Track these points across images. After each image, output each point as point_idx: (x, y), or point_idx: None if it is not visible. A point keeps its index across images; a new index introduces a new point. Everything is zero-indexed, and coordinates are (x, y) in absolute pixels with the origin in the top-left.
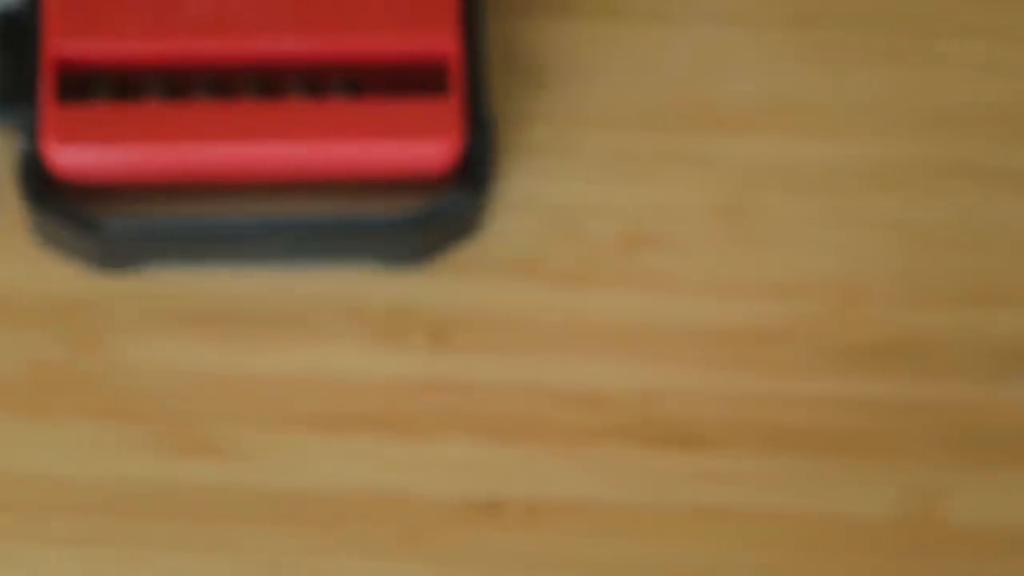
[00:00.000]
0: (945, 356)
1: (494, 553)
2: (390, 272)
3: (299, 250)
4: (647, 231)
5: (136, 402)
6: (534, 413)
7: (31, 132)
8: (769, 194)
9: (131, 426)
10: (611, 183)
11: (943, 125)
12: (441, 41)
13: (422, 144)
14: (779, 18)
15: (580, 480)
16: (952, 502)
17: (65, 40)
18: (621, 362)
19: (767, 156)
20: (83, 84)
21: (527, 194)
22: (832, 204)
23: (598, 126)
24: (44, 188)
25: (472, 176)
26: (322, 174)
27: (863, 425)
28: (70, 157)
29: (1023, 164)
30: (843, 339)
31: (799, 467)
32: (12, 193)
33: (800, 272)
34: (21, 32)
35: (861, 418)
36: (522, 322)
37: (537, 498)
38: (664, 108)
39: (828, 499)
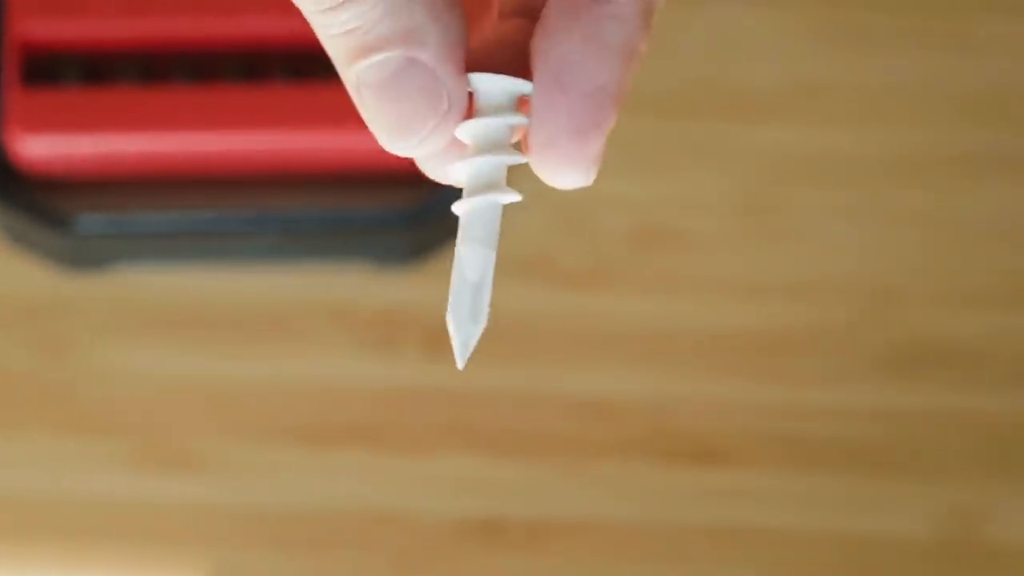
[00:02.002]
0: (984, 362)
1: None
2: (381, 273)
3: (284, 248)
4: (661, 228)
5: (108, 413)
6: (537, 426)
7: None
8: (792, 187)
9: (102, 439)
10: (622, 176)
11: (979, 112)
12: None
13: None
14: None
15: (587, 498)
16: (995, 521)
17: (31, 20)
18: (632, 370)
19: (790, 146)
20: (50, 68)
21: (531, 188)
22: (861, 198)
23: None
24: (9, 182)
25: None
26: (309, 166)
27: (896, 438)
28: (37, 148)
29: None
30: (873, 345)
31: (826, 484)
32: None
33: (826, 272)
34: None
35: (894, 431)
36: (525, 327)
37: (540, 518)
38: (679, 95)
39: (858, 519)
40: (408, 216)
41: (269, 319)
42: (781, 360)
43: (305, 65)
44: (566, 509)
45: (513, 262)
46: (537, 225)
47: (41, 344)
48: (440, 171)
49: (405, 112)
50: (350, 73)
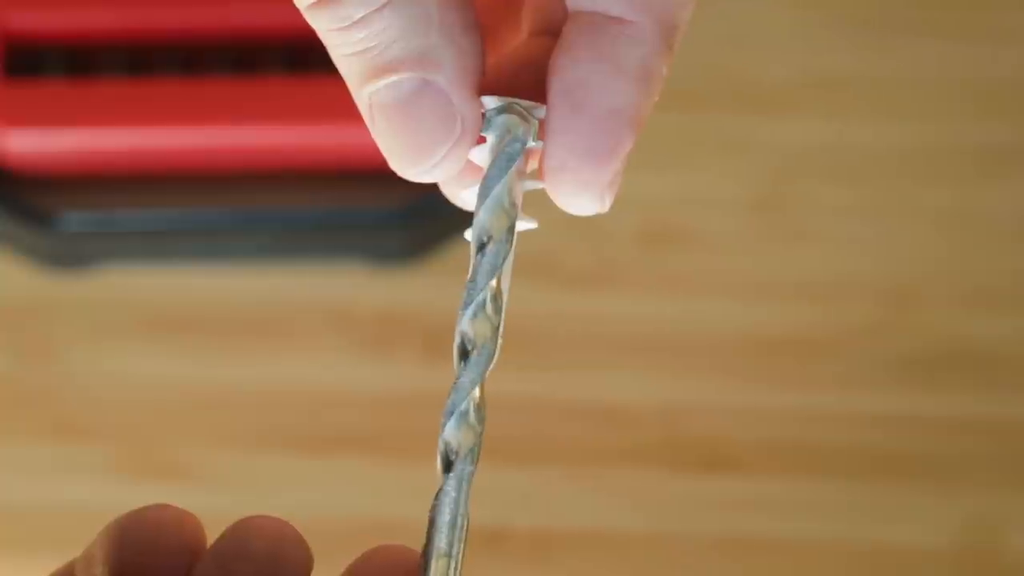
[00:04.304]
0: (1008, 366)
1: None
2: (378, 273)
3: (277, 248)
4: (671, 226)
5: (91, 418)
6: (542, 432)
7: None
8: (808, 183)
9: (86, 445)
10: (630, 172)
11: (1001, 105)
12: None
13: None
14: None
15: (594, 507)
16: (1017, 531)
17: (13, 11)
18: (642, 374)
19: (805, 140)
20: (34, 60)
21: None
22: (879, 194)
23: None
24: None
25: None
26: (303, 162)
27: (916, 446)
28: (19, 143)
29: None
30: (893, 348)
31: (843, 493)
32: None
33: (843, 272)
34: None
35: (914, 438)
36: (530, 329)
37: (545, 527)
38: (690, 87)
39: (875, 528)
40: (406, 213)
41: (261, 321)
42: (795, 364)
43: (300, 57)
44: (572, 518)
45: (517, 263)
46: (542, 224)
47: (22, 346)
48: (456, 195)
49: (418, 136)
50: (363, 94)
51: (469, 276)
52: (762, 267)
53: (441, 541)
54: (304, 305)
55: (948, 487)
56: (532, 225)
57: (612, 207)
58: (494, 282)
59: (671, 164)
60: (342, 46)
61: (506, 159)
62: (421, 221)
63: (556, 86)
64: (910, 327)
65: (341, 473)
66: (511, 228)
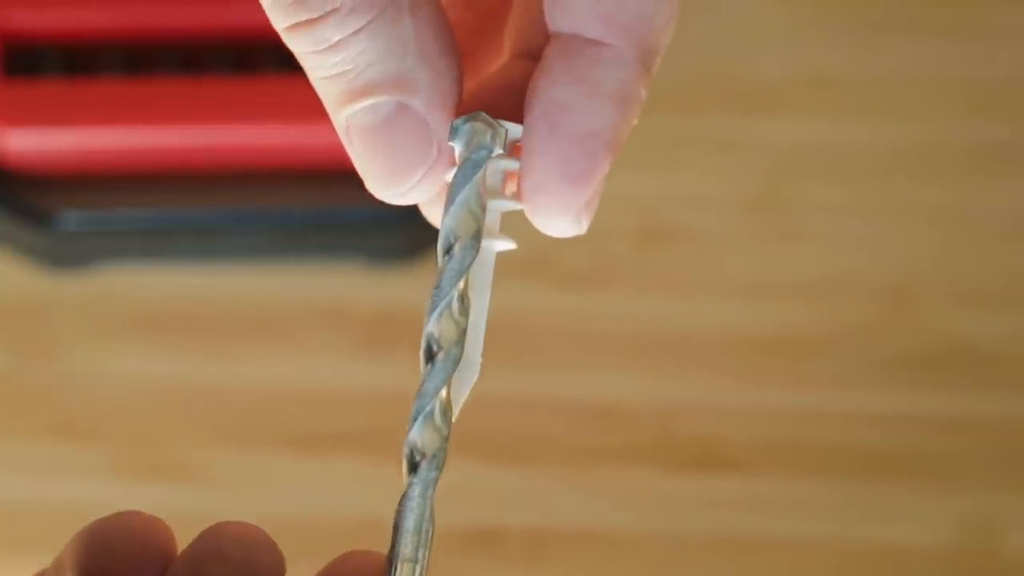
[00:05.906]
0: (1004, 365)
1: None
2: (375, 272)
3: (274, 247)
4: (666, 226)
5: (90, 418)
6: (537, 431)
7: None
8: (802, 183)
9: (84, 445)
10: (625, 172)
11: (997, 104)
12: None
13: None
14: None
15: (589, 507)
16: (1014, 531)
17: (12, 10)
18: (636, 373)
19: (800, 139)
20: (32, 59)
21: None
22: (874, 193)
23: None
24: None
25: None
26: (301, 161)
27: (912, 445)
28: (18, 142)
29: None
30: (888, 347)
31: (837, 492)
32: None
33: (838, 271)
34: None
35: (909, 437)
36: (525, 329)
37: (541, 527)
38: (684, 86)
39: (871, 528)
40: (403, 213)
41: (258, 320)
42: (791, 363)
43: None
44: (567, 518)
45: (512, 262)
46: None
47: (20, 346)
48: (435, 216)
49: (394, 159)
50: (340, 117)
51: (435, 279)
52: (757, 266)
53: (406, 547)
54: (301, 304)
55: (944, 486)
56: (511, 245)
57: (607, 206)
58: (461, 284)
59: (665, 163)
60: (319, 69)
61: (472, 166)
62: (418, 221)
63: (534, 108)
64: (905, 326)
65: (338, 472)
66: (478, 233)
